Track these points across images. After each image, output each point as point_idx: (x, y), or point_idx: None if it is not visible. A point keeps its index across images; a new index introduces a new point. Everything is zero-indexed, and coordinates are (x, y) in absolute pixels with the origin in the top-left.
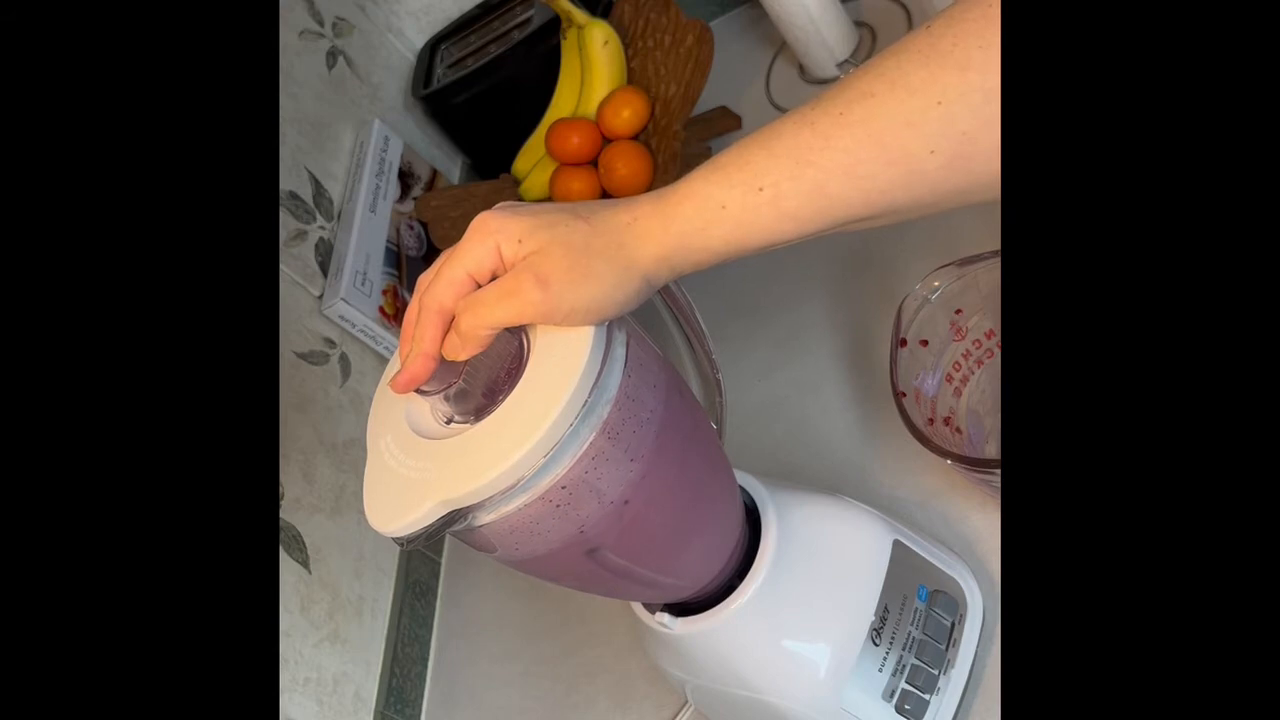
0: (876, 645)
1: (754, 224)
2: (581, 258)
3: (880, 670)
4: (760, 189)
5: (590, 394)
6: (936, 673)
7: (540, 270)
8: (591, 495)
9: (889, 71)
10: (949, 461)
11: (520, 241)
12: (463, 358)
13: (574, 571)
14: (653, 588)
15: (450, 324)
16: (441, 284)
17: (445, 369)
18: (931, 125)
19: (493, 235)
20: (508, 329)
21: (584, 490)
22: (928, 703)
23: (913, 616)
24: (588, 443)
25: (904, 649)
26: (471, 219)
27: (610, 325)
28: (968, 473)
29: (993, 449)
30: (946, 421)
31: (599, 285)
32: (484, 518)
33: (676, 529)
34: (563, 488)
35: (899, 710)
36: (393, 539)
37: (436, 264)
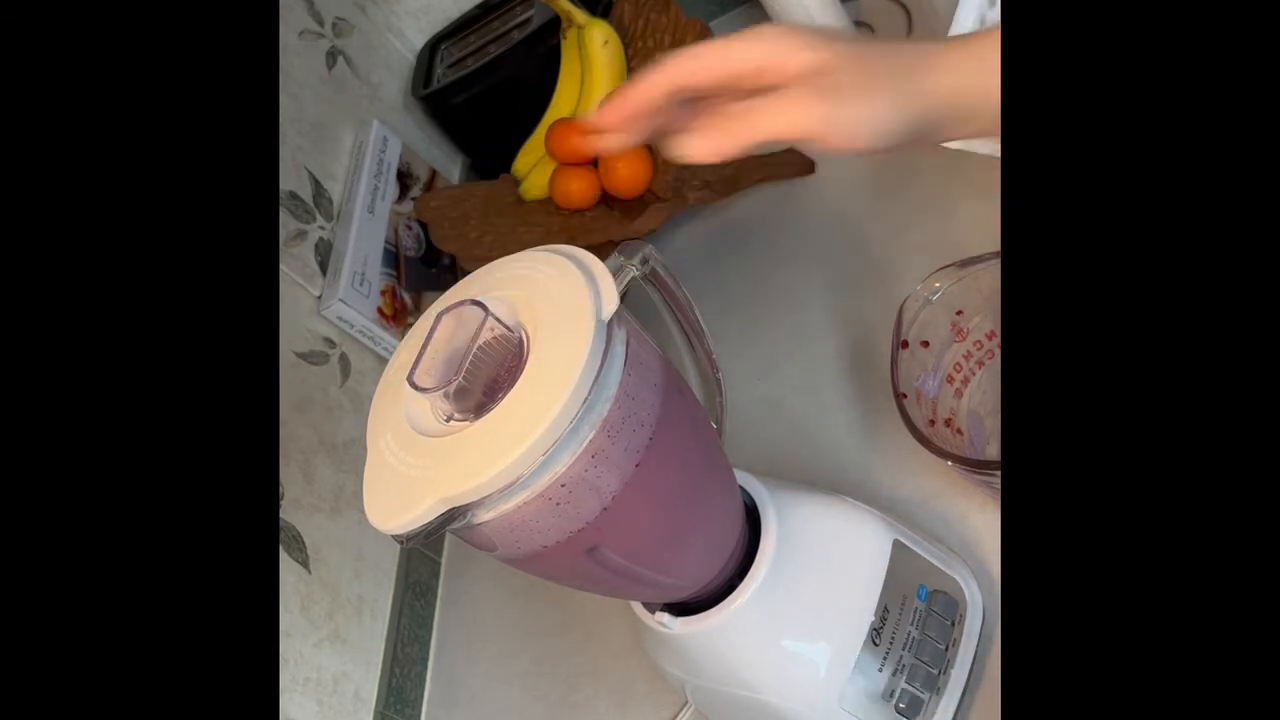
0: (876, 645)
1: None
2: (867, 77)
3: (880, 670)
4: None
5: (590, 392)
6: (936, 672)
7: (824, 84)
8: (591, 493)
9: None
10: (949, 463)
11: (808, 49)
12: (706, 158)
13: (574, 570)
14: (653, 587)
15: (656, 112)
16: (698, 64)
17: (445, 367)
18: None
19: (771, 39)
20: (507, 329)
21: (583, 488)
22: (927, 703)
23: (913, 616)
24: (587, 440)
25: (904, 649)
26: (470, 219)
27: (610, 323)
28: (968, 474)
29: (994, 450)
30: (947, 423)
31: (881, 106)
32: (483, 515)
33: (676, 528)
34: (562, 485)
35: (899, 710)
36: (392, 536)
37: (692, 49)
